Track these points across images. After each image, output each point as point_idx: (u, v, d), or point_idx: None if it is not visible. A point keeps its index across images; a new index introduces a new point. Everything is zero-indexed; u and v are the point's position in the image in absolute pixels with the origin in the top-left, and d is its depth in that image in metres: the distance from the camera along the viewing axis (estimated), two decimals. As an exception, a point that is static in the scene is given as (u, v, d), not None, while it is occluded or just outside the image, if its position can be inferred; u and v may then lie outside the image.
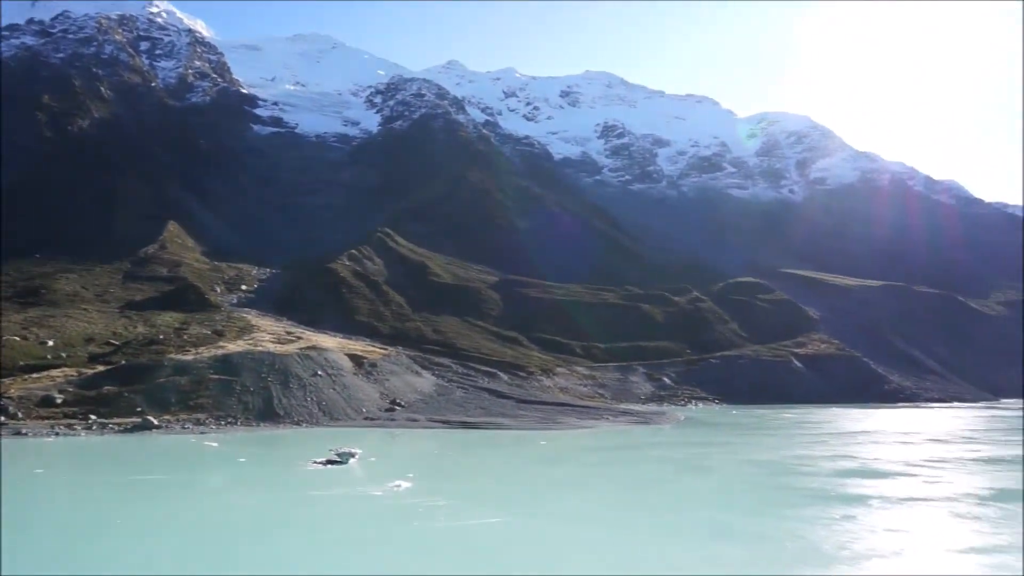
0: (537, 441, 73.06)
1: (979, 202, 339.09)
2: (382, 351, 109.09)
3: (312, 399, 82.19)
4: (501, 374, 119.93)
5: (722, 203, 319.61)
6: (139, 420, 69.31)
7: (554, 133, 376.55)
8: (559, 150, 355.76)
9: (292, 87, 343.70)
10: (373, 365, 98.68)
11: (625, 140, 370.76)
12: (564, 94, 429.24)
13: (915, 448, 68.90)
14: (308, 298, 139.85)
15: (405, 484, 43.89)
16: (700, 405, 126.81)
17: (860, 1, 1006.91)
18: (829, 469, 54.75)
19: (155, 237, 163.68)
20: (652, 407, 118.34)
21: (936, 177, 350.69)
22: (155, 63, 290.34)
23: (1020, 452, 66.42)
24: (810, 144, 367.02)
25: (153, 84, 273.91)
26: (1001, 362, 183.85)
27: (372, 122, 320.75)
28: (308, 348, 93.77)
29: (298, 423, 76.89)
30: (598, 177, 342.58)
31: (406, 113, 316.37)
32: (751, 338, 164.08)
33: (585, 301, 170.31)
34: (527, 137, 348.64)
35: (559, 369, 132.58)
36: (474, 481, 50.09)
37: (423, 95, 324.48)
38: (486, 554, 30.49)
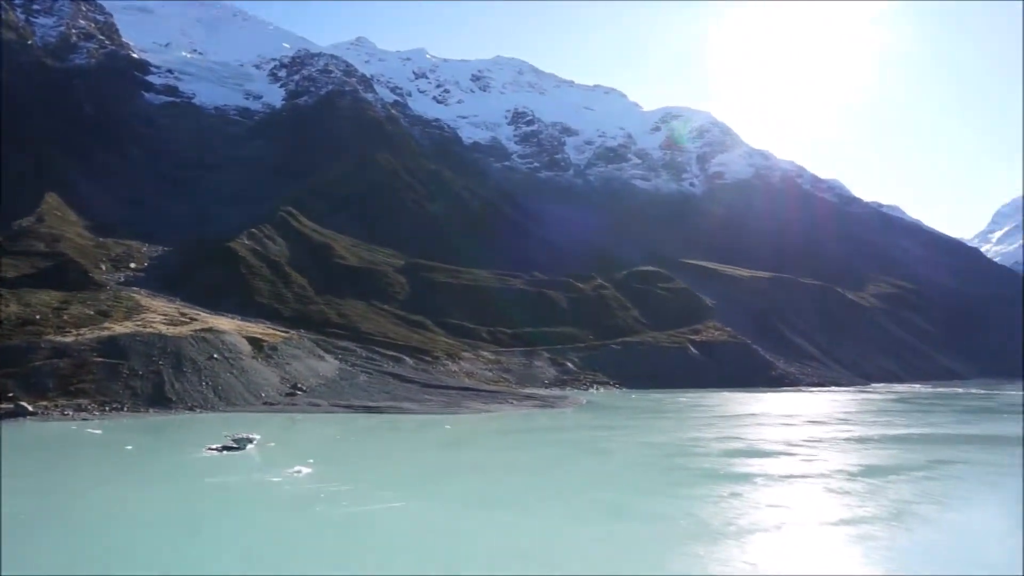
0: (442, 425, 73.19)
1: (858, 201, 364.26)
2: (283, 334, 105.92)
3: (207, 383, 78.90)
4: (406, 358, 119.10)
5: (626, 193, 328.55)
6: (11, 407, 64.39)
7: (464, 117, 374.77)
8: (469, 134, 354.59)
9: (189, 55, 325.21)
10: (273, 348, 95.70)
11: (534, 127, 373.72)
12: (475, 78, 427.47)
13: (796, 429, 73.72)
14: (204, 278, 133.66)
15: (306, 470, 43.03)
16: (601, 389, 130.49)
17: (767, 3, 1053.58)
18: (719, 450, 57.78)
19: (31, 209, 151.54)
20: (555, 391, 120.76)
21: (821, 176, 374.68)
22: (32, 19, 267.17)
23: (886, 432, 72.35)
24: (710, 140, 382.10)
25: (30, 42, 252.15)
26: (873, 350, 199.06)
27: (276, 96, 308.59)
28: (203, 330, 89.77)
29: (192, 408, 73.66)
30: (507, 163, 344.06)
31: (312, 89, 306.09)
32: (651, 325, 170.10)
33: (492, 286, 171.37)
34: (437, 120, 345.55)
35: (465, 354, 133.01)
36: (377, 466, 49.69)
37: (330, 71, 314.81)
38: (390, 539, 30.44)
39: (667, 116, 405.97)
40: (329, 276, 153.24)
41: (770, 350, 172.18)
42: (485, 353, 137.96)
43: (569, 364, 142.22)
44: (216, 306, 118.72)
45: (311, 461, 45.89)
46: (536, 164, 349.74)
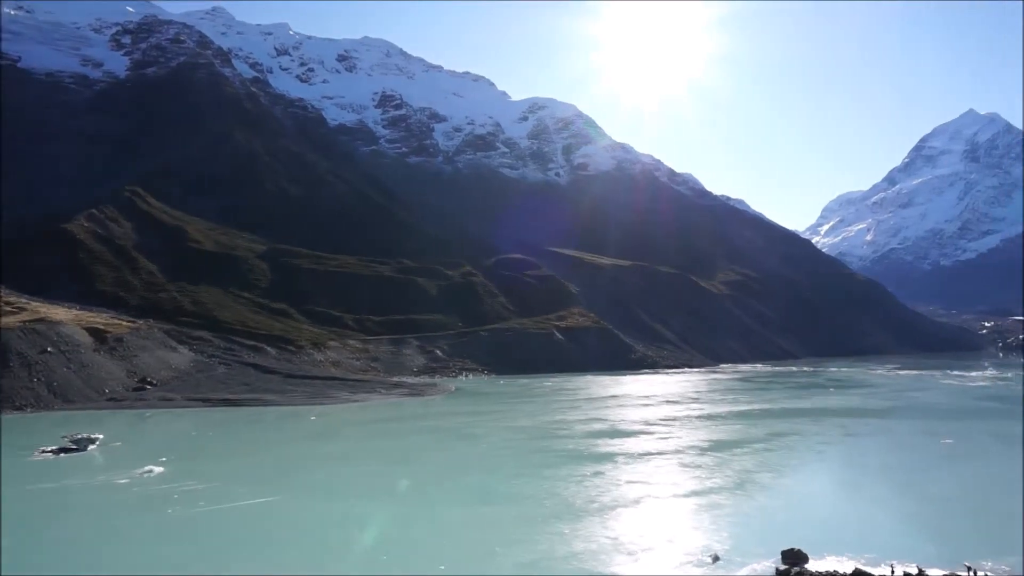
0: (307, 417, 71.12)
1: (709, 194, 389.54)
2: (130, 324, 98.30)
3: (40, 380, 71.87)
4: (268, 348, 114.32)
5: (495, 181, 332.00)
6: None
7: (329, 98, 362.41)
8: (334, 116, 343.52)
9: (14, 12, 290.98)
10: (119, 340, 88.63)
11: (403, 112, 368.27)
12: (341, 58, 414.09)
13: (653, 409, 78.24)
14: (35, 263, 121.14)
15: (157, 469, 40.52)
16: (470, 376, 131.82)
17: (636, 3, 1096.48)
18: (582, 431, 60.27)
19: None
20: (424, 379, 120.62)
21: (678, 170, 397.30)
22: None
23: (731, 409, 78.51)
24: (575, 131, 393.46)
25: None
26: (722, 333, 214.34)
27: (119, 65, 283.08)
28: (34, 321, 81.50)
29: (21, 408, 66.85)
30: (375, 147, 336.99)
31: (161, 59, 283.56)
32: (518, 311, 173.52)
33: (359, 273, 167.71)
34: (300, 99, 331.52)
35: (331, 343, 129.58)
36: (237, 461, 47.58)
37: (182, 41, 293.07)
38: (251, 536, 29.38)
39: (534, 107, 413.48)
40: (182, 262, 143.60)
41: (630, 335, 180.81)
42: (352, 342, 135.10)
43: (438, 352, 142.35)
44: (49, 294, 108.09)
45: (163, 460, 43.21)
46: (404, 149, 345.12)
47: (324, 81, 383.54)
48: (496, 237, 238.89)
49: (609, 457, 47.48)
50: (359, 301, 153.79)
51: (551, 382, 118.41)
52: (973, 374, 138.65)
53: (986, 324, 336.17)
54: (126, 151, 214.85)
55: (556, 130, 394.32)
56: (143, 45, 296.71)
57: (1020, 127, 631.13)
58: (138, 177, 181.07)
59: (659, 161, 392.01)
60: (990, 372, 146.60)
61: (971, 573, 23.31)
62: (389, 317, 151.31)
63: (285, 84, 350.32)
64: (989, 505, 36.48)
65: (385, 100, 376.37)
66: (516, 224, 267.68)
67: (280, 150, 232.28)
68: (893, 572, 24.21)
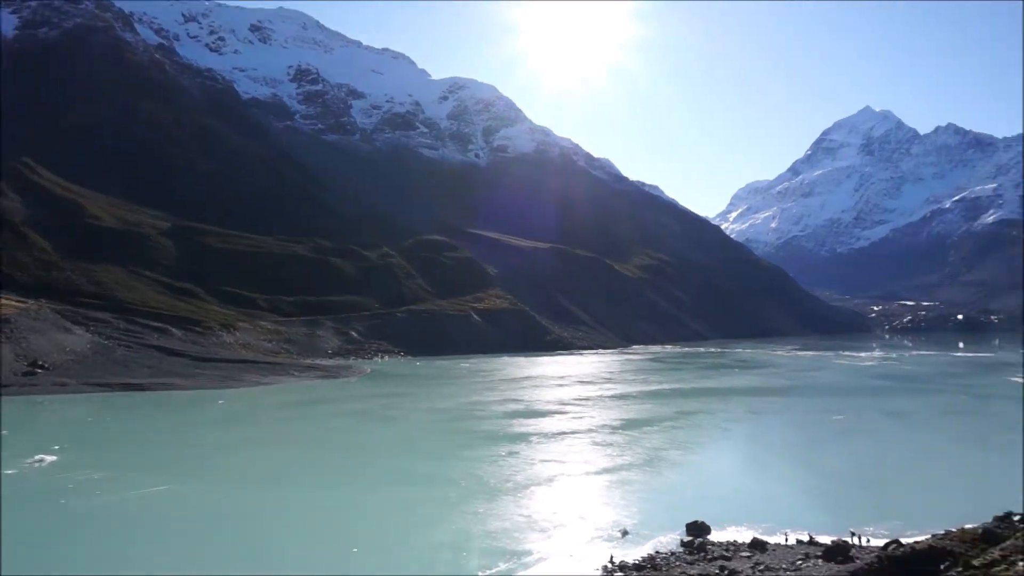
0: (215, 401, 68.70)
1: (626, 179, 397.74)
2: (19, 304, 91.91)
3: (-85, 363, 66.29)
4: (174, 330, 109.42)
5: (414, 161, 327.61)
6: None
7: (242, 70, 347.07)
8: (247, 89, 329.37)
9: None
10: (6, 321, 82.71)
11: (319, 87, 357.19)
12: (254, 29, 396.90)
13: (568, 390, 79.81)
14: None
15: (49, 458, 38.29)
16: (387, 358, 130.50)
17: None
18: (499, 412, 60.86)
19: None
20: (340, 361, 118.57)
21: (595, 155, 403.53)
22: None
23: (643, 388, 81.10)
24: (495, 113, 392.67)
25: None
26: (635, 315, 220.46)
27: (6, 25, 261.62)
28: (-92, 300, 74.98)
29: None
30: (289, 123, 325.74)
31: (55, 20, 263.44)
32: (436, 293, 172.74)
33: (272, 253, 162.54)
34: (210, 70, 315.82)
35: (241, 324, 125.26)
36: (139, 448, 45.50)
37: (79, 1, 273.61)
38: (151, 526, 28.26)
39: (455, 87, 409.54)
40: (80, 239, 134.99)
41: (547, 316, 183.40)
42: (264, 323, 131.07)
43: (354, 333, 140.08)
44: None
45: (56, 448, 40.86)
46: (321, 126, 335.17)
47: (236, 52, 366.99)
48: (415, 218, 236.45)
49: (524, 437, 48.18)
50: (272, 282, 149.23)
51: (468, 363, 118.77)
52: (863, 355, 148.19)
53: (876, 308, 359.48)
54: (14, 118, 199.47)
55: (477, 111, 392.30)
56: (33, 3, 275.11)
57: (910, 125, 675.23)
58: (28, 146, 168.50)
59: (578, 145, 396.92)
60: (878, 353, 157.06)
61: (854, 538, 25.08)
62: (303, 298, 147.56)
63: (193, 53, 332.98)
64: (874, 476, 39.25)
65: (301, 74, 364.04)
66: (435, 205, 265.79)
67: (189, 123, 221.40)
68: (787, 539, 25.76)
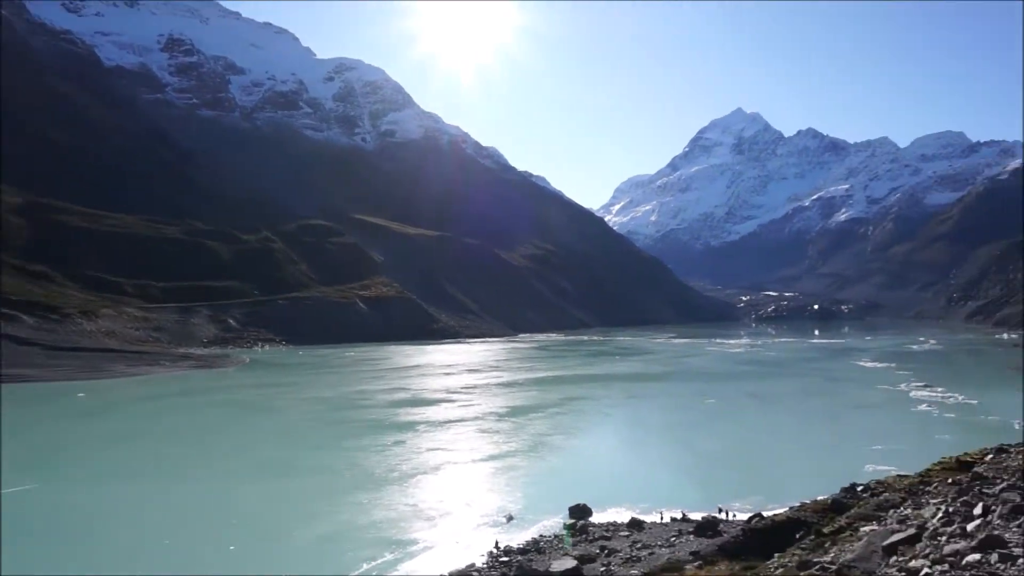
0: (74, 394, 63.66)
1: (513, 169, 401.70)
2: None
3: None
4: (25, 317, 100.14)
5: (297, 143, 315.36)
6: None
7: (105, 34, 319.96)
8: (111, 56, 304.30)
9: None
10: None
11: (194, 59, 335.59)
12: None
13: (455, 378, 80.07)
14: None
15: None
16: (267, 347, 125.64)
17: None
18: (384, 401, 60.21)
19: None
20: (216, 350, 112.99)
21: (484, 144, 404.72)
22: None
23: (529, 376, 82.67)
24: (383, 97, 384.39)
25: None
26: (522, 304, 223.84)
27: None
28: None
29: None
30: (160, 96, 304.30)
31: None
32: (320, 280, 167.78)
33: (140, 234, 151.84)
34: (68, 32, 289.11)
35: (105, 311, 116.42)
36: (-14, 446, 41.46)
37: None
38: (16, 530, 25.92)
39: (341, 67, 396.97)
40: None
41: (434, 305, 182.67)
42: (130, 310, 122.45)
43: (231, 321, 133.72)
44: None
45: None
46: (196, 101, 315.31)
47: (98, 14, 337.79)
48: (298, 202, 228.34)
49: (411, 426, 47.97)
50: (140, 265, 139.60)
51: (353, 352, 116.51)
52: (733, 342, 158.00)
53: (744, 298, 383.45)
54: None
55: (364, 94, 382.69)
56: None
57: (776, 127, 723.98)
58: None
59: (467, 134, 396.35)
60: (746, 340, 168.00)
61: (723, 513, 26.87)
62: (175, 283, 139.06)
63: (48, 13, 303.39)
64: (741, 455, 42.10)
65: (173, 44, 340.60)
66: (320, 189, 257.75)
67: (43, 90, 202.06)
68: (663, 518, 27.20)
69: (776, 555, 15.58)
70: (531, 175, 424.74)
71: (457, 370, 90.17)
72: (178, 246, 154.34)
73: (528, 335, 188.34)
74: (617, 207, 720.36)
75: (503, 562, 22.40)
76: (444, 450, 40.14)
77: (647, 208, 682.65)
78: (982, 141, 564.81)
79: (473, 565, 22.26)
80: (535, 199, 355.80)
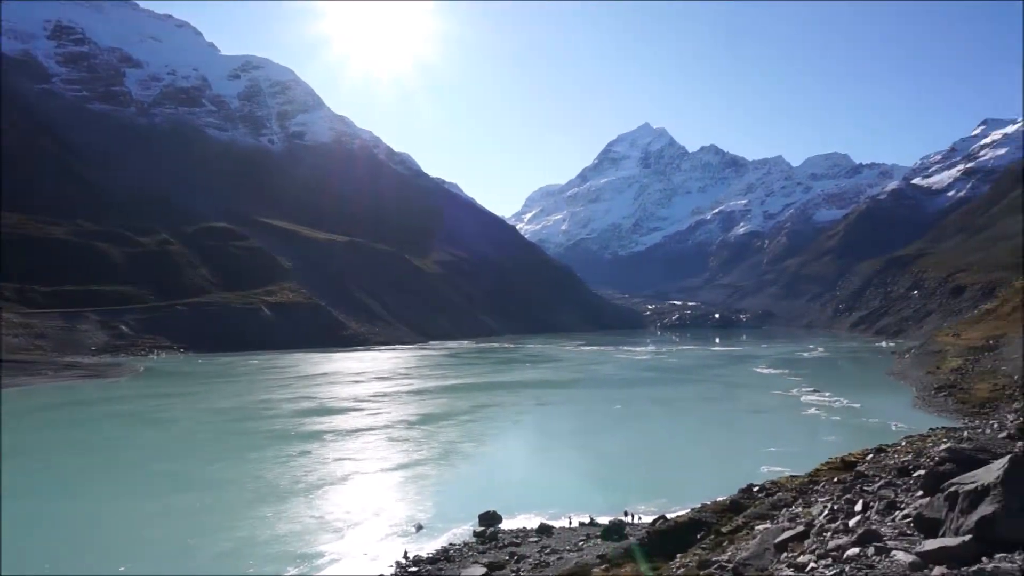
0: (-58, 406, 58.34)
1: (425, 175, 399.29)
2: None
3: None
4: None
5: (199, 142, 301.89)
6: None
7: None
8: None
9: None
10: None
11: (86, 49, 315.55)
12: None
13: (364, 386, 78.63)
14: None
15: None
16: (164, 355, 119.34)
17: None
18: (290, 410, 58.39)
19: None
20: (106, 359, 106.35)
21: (396, 149, 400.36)
22: None
23: (439, 383, 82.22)
24: (292, 97, 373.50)
25: None
26: (433, 311, 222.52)
27: None
28: None
29: None
30: (46, 86, 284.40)
31: None
32: (222, 285, 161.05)
33: (21, 234, 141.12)
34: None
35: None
36: None
37: None
38: None
39: (248, 65, 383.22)
40: None
41: (343, 311, 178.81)
42: (9, 315, 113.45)
43: (124, 328, 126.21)
44: None
45: None
46: (87, 93, 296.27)
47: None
48: (200, 203, 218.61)
49: (317, 435, 46.76)
50: (20, 267, 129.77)
51: (257, 360, 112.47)
52: (639, 349, 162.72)
53: (650, 307, 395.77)
54: None
55: (272, 94, 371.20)
56: None
57: (680, 143, 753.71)
58: None
59: (379, 138, 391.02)
60: (651, 347, 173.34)
61: (628, 516, 27.61)
62: (61, 288, 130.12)
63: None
64: (646, 459, 43.36)
65: (62, 32, 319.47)
66: (223, 191, 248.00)
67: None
68: (571, 523, 27.67)
69: (679, 555, 16.20)
70: (444, 182, 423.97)
71: (366, 378, 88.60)
72: (65, 247, 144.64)
73: (439, 342, 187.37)
74: (529, 216, 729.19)
75: (412, 572, 22.20)
76: (352, 460, 39.34)
77: (558, 217, 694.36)
78: (865, 163, 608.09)
79: (381, 577, 21.97)
80: (447, 206, 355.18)
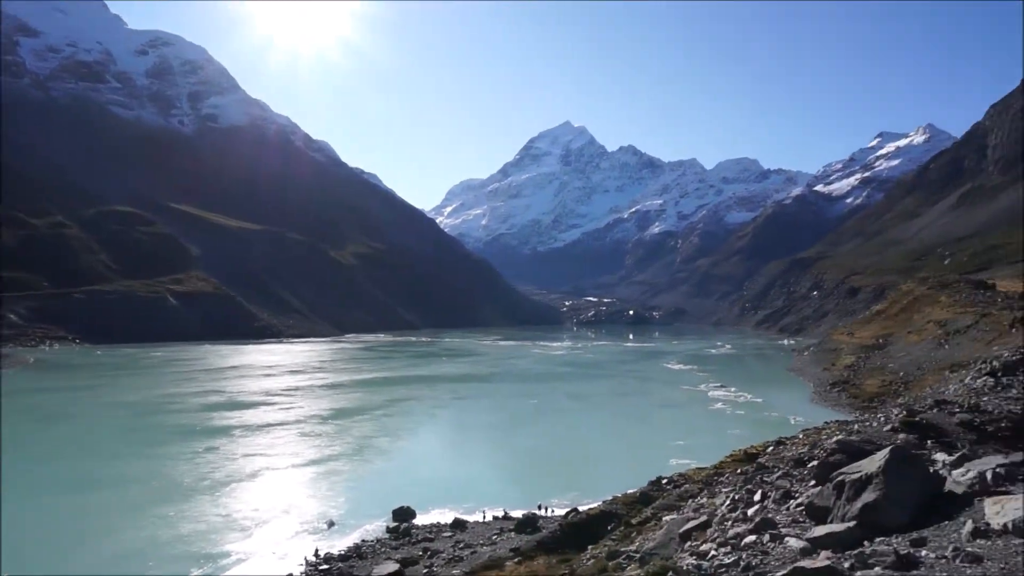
0: None
1: (345, 165, 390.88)
2: None
3: None
4: None
5: (102, 119, 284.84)
6: None
7: None
8: None
9: None
10: None
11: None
12: None
13: (276, 380, 76.45)
14: None
15: None
16: (57, 346, 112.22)
17: None
18: (197, 405, 56.15)
19: None
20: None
21: (314, 136, 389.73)
22: None
23: (355, 377, 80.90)
24: (204, 78, 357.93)
25: None
26: (350, 304, 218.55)
27: None
28: None
29: None
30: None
31: None
32: (124, 272, 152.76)
33: None
34: None
35: None
36: None
37: None
38: None
39: (157, 41, 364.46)
40: None
41: (256, 302, 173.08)
42: None
43: (13, 316, 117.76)
44: None
45: None
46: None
47: None
48: (102, 185, 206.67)
49: (225, 431, 45.20)
50: None
51: (162, 352, 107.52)
52: (556, 344, 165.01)
53: (567, 303, 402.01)
54: None
55: (183, 72, 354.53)
56: None
57: (600, 142, 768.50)
58: None
59: (296, 124, 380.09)
60: (568, 343, 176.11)
61: (542, 510, 28.03)
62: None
63: None
64: (560, 453, 44.10)
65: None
66: (128, 172, 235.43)
67: None
68: (485, 517, 27.85)
69: (590, 547, 16.58)
70: (363, 172, 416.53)
71: (278, 371, 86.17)
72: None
73: (355, 335, 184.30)
74: (449, 209, 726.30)
75: (323, 570, 21.81)
76: (262, 455, 38.24)
77: (478, 212, 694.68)
78: (772, 169, 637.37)
79: (291, 575, 21.48)
80: (366, 197, 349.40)
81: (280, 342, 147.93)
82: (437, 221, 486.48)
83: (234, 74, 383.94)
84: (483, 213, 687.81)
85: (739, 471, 18.10)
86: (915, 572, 4.60)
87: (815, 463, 8.48)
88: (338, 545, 24.21)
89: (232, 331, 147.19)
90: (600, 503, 22.56)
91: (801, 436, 22.00)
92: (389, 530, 26.22)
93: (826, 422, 34.98)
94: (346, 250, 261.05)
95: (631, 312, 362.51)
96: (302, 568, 22.08)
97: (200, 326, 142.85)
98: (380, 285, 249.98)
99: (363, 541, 24.86)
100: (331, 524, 26.64)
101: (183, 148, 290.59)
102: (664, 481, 22.47)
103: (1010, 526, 4.99)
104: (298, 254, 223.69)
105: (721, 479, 18.64)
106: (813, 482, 8.22)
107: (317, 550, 23.52)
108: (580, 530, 19.00)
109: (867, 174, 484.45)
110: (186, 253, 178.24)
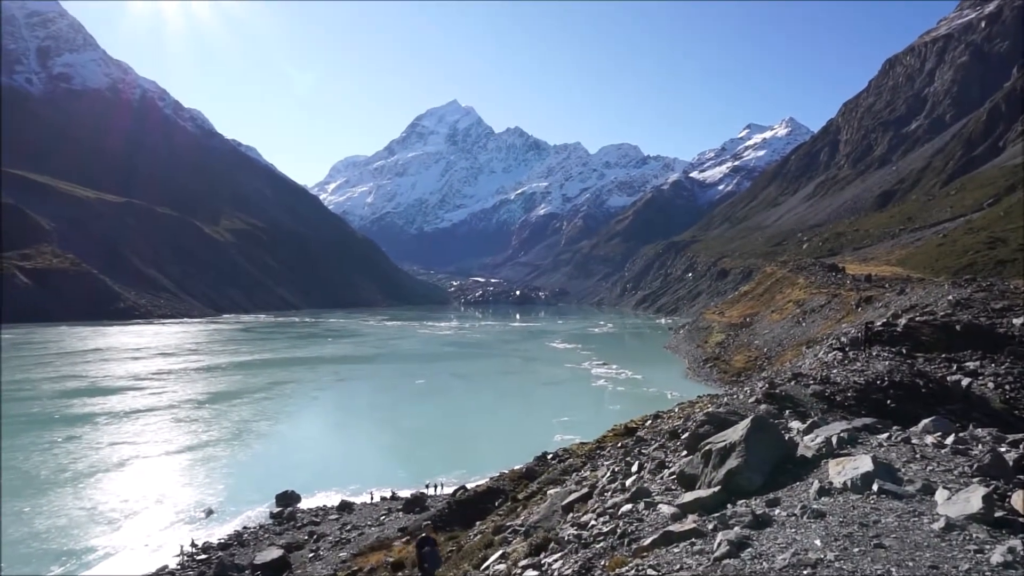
0: None
1: (219, 136, 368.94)
2: None
3: None
4: None
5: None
6: None
7: None
8: None
9: None
10: None
11: None
12: None
13: (145, 363, 71.94)
14: None
15: None
16: None
17: None
18: (53, 391, 52.03)
19: None
20: None
21: (185, 104, 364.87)
22: None
23: (232, 359, 77.50)
24: (55, 32, 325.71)
25: None
26: (225, 283, 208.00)
27: None
28: None
29: None
30: None
31: None
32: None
33: None
34: None
35: None
36: None
37: None
38: None
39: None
40: None
41: (119, 281, 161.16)
42: None
43: None
44: None
45: None
46: None
47: None
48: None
49: (88, 418, 42.23)
50: None
51: (10, 335, 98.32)
52: (442, 324, 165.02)
53: (454, 283, 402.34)
54: None
55: (29, 26, 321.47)
56: None
57: (488, 123, 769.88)
58: None
59: (165, 90, 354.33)
60: (454, 323, 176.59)
61: (430, 488, 28.29)
62: None
63: None
64: (446, 431, 44.47)
65: None
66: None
67: None
68: (372, 498, 27.76)
69: (477, 523, 16.99)
70: (239, 144, 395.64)
71: (147, 354, 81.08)
72: None
73: (233, 316, 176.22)
74: (333, 186, 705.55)
75: (201, 560, 21.05)
76: (129, 443, 36.10)
77: (363, 189, 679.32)
78: (652, 155, 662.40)
79: (166, 567, 20.59)
80: (242, 170, 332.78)
81: (149, 323, 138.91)
82: (320, 198, 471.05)
83: (92, 32, 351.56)
84: (368, 191, 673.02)
85: (619, 444, 19.06)
86: (768, 529, 5.16)
87: (687, 434, 9.14)
88: (218, 533, 23.42)
89: (94, 312, 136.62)
90: (487, 480, 23.08)
91: (676, 410, 23.41)
92: (272, 515, 25.64)
93: (699, 396, 37.30)
94: (220, 226, 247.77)
95: (517, 293, 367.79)
96: (178, 559, 21.21)
97: (55, 306, 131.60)
98: (258, 263, 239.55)
99: (245, 528, 24.18)
100: (210, 512, 25.68)
101: (30, 109, 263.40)
102: (549, 456, 23.28)
103: (849, 484, 5.68)
104: (167, 229, 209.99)
105: (603, 452, 19.56)
106: (684, 452, 8.88)
107: (194, 540, 22.65)
108: (468, 507, 19.40)
109: (736, 163, 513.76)
110: (36, 225, 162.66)
